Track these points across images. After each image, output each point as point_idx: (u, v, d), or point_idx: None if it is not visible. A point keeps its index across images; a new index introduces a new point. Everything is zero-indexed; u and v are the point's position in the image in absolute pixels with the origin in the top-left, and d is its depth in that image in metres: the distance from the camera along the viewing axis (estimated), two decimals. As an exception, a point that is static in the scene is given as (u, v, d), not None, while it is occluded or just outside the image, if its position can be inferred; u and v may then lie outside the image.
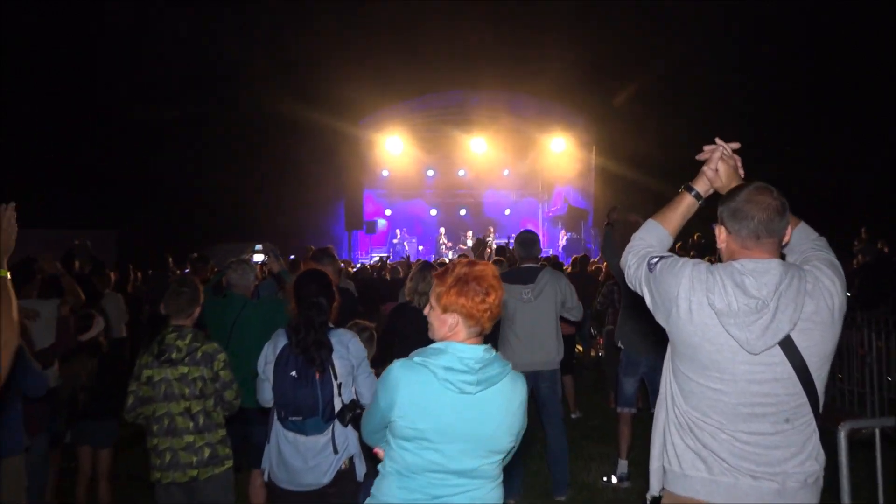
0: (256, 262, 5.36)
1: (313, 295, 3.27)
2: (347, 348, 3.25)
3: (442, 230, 21.06)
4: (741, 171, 2.50)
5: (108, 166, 15.30)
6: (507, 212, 23.80)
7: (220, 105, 15.43)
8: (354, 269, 11.82)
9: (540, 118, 20.51)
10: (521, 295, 5.04)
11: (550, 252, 20.61)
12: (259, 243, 5.48)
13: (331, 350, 3.20)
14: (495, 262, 6.65)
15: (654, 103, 15.88)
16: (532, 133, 21.37)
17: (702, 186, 2.52)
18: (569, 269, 9.92)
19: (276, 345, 3.24)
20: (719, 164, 2.48)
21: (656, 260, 2.35)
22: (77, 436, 4.70)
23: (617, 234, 5.10)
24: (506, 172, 23.45)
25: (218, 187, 16.08)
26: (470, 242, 19.61)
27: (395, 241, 21.50)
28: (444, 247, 20.63)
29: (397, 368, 2.17)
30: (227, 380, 3.64)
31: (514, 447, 2.25)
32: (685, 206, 2.53)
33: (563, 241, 20.60)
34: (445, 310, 2.18)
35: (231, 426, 3.83)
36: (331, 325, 3.32)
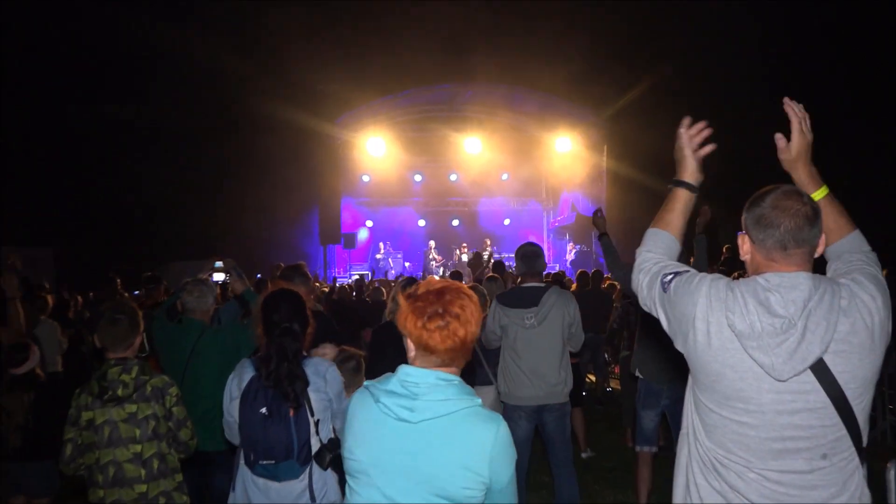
0: (216, 282, 5.30)
1: (285, 319, 3.27)
2: (325, 379, 3.25)
3: (431, 244, 21.32)
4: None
5: (43, 174, 15.18)
6: (507, 222, 24.12)
7: (173, 101, 15.14)
8: (328, 290, 11.99)
9: (543, 114, 20.71)
10: (522, 320, 5.10)
11: (557, 268, 20.84)
12: (219, 260, 5.46)
13: (306, 383, 3.18)
14: (488, 281, 6.82)
15: (676, 96, 15.70)
16: (534, 131, 21.54)
17: (689, 175, 2.58)
18: (574, 287, 9.98)
19: (241, 377, 3.21)
20: (795, 135, 2.49)
21: (670, 277, 2.37)
22: (9, 484, 4.61)
23: (612, 241, 5.22)
24: (504, 177, 23.66)
25: (171, 196, 15.96)
26: (465, 257, 20.22)
27: (377, 256, 21.75)
28: (433, 262, 20.87)
29: (354, 395, 2.24)
30: (180, 417, 3.60)
31: (481, 501, 2.14)
32: (681, 202, 2.59)
33: (571, 255, 20.78)
34: (402, 332, 2.22)
35: (188, 471, 3.76)
36: (304, 354, 3.32)
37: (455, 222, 24.28)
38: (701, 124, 2.59)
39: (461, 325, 2.14)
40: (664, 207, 2.61)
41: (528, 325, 5.09)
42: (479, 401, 2.16)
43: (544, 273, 6.77)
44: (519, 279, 5.43)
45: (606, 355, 9.19)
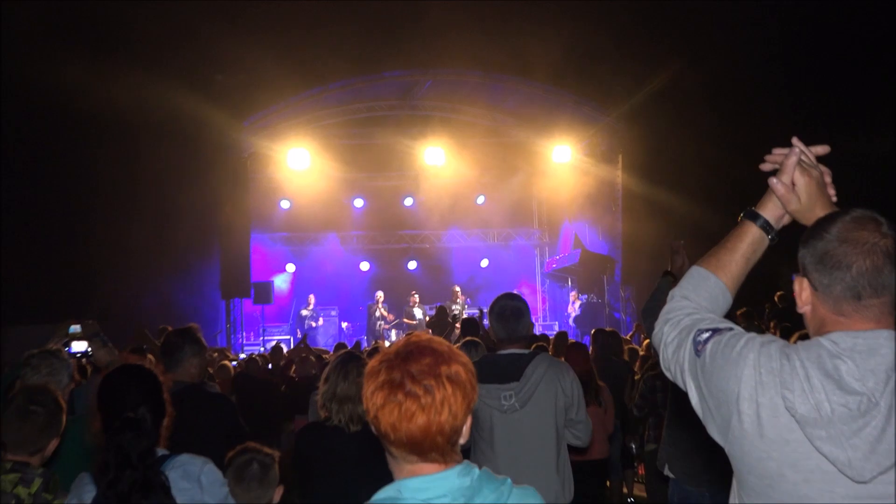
0: (74, 354, 5.30)
1: (129, 406, 3.30)
2: (199, 483, 3.28)
3: (379, 296, 21.58)
4: (832, 192, 2.58)
5: None
6: (485, 263, 24.35)
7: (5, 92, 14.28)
8: (235, 365, 12.18)
9: (533, 112, 20.92)
10: (498, 401, 5.11)
11: (556, 327, 21.21)
12: (77, 323, 5.44)
13: (166, 490, 3.21)
14: (465, 347, 6.82)
15: (717, 87, 16.14)
16: (521, 136, 21.78)
17: (771, 211, 2.61)
18: (592, 351, 9.92)
19: (80, 497, 3.24)
20: (796, 176, 2.57)
21: (707, 335, 2.37)
22: None
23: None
24: (480, 200, 23.91)
25: (8, 235, 14.87)
26: (418, 313, 20.73)
27: (303, 313, 21.84)
28: (381, 323, 21.13)
29: None
30: None
31: None
32: (748, 242, 2.61)
33: (574, 309, 21.04)
34: (375, 429, 2.22)
35: None
36: (164, 452, 3.37)
37: (412, 265, 24.17)
38: (821, 149, 2.61)
39: (432, 403, 2.16)
40: (723, 244, 2.63)
41: (507, 407, 5.11)
42: (506, 479, 2.28)
43: (530, 335, 6.83)
44: (495, 344, 5.53)
45: (633, 446, 9.25)
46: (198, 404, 4.80)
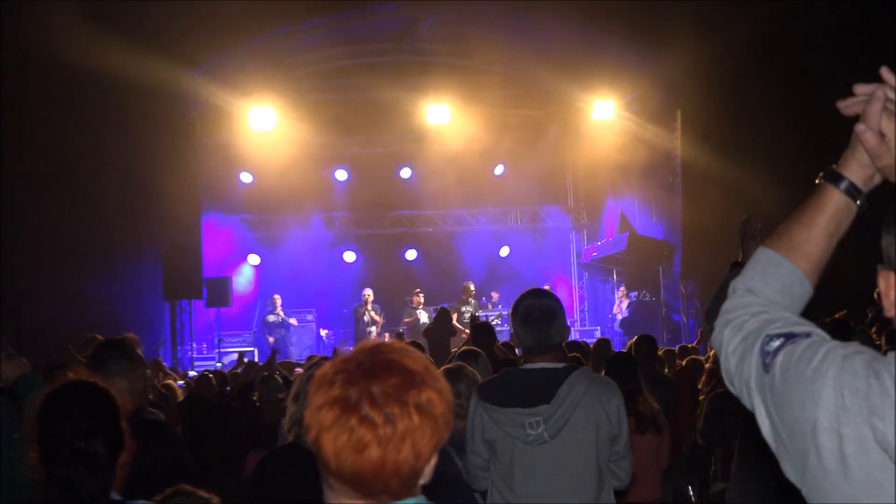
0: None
1: (79, 435, 3.32)
2: None
3: (367, 294, 21.74)
4: None
5: None
6: (505, 251, 24.75)
7: None
8: (183, 385, 12.47)
9: (567, 57, 20.76)
10: (523, 429, 5.13)
11: (598, 332, 21.33)
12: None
13: None
14: (462, 357, 6.86)
15: (824, 31, 16.08)
16: (552, 89, 21.74)
17: (857, 171, 2.47)
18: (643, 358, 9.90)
19: None
20: (884, 124, 2.36)
21: (777, 344, 2.32)
22: None
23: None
24: (498, 170, 24.07)
25: None
26: (426, 319, 20.71)
27: (269, 318, 22.17)
28: (371, 329, 21.29)
29: None
30: None
31: None
32: (829, 212, 2.50)
33: (621, 310, 21.51)
34: (315, 451, 2.27)
35: None
36: (117, 498, 3.38)
37: (410, 254, 24.48)
38: None
39: (392, 435, 2.19)
40: (797, 218, 2.55)
41: (533, 438, 5.12)
42: None
43: (563, 343, 6.47)
44: (521, 357, 5.56)
45: (691, 490, 9.42)
46: (132, 436, 4.74)
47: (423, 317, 21.18)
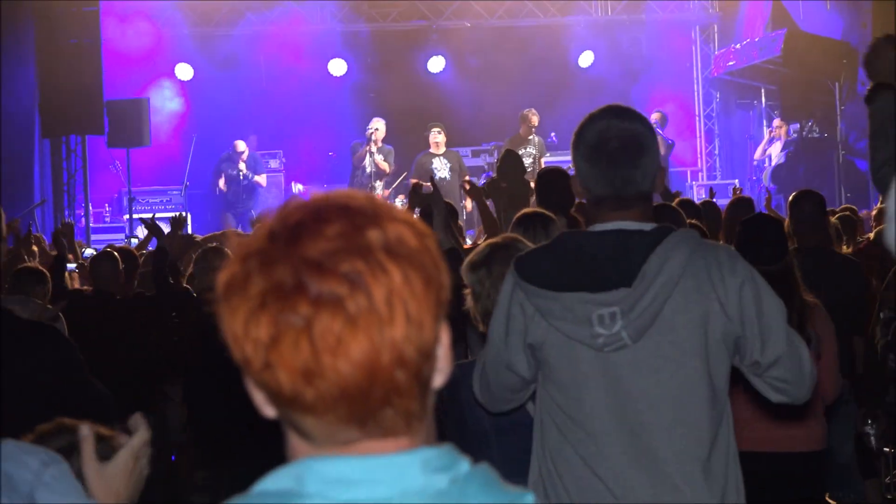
0: None
1: None
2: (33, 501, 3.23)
3: (375, 126, 19.44)
4: None
5: None
6: (587, 58, 22.87)
7: None
8: (74, 270, 12.33)
9: None
10: (589, 325, 4.33)
11: (735, 186, 19.29)
12: None
13: None
14: (520, 226, 7.01)
15: None
16: None
17: None
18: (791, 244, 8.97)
19: None
20: None
21: None
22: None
23: None
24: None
25: None
26: (444, 169, 18.88)
27: (224, 167, 21.05)
28: (375, 181, 19.28)
29: None
30: None
31: None
32: None
33: (774, 151, 20.09)
34: (266, 391, 1.85)
35: None
36: None
37: (435, 63, 22.53)
38: None
39: (369, 306, 1.73)
40: None
41: (605, 340, 4.29)
42: (527, 494, 1.92)
43: (665, 195, 6.40)
44: (586, 213, 6.19)
45: (871, 432, 8.43)
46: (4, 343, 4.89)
47: (441, 169, 18.39)
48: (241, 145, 20.52)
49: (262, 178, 20.89)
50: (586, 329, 4.27)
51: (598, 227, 4.45)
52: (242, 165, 20.52)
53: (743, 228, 7.46)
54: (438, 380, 1.80)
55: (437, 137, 18.82)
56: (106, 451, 3.60)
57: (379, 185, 19.24)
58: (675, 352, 4.33)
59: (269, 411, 1.83)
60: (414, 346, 1.71)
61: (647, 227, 4.40)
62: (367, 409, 1.72)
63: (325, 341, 1.67)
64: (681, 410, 4.36)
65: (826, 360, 7.04)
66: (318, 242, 1.70)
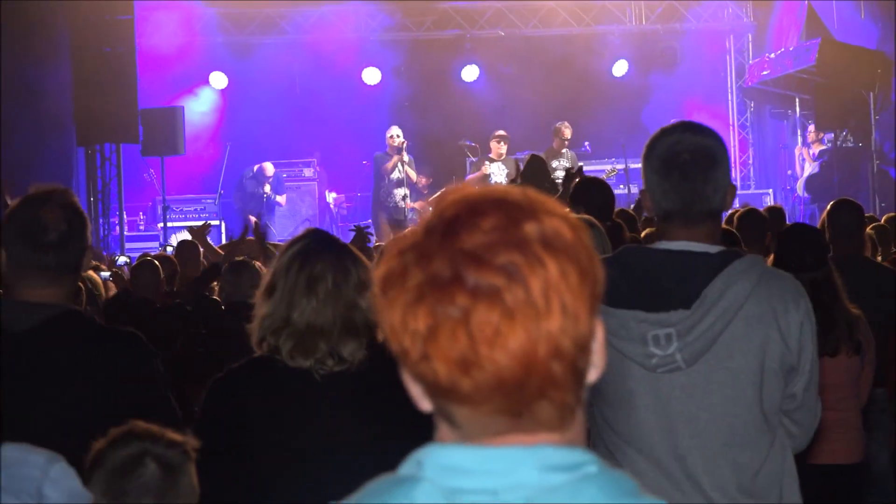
0: None
1: None
2: (40, 499, 3.34)
3: (394, 134, 19.43)
4: None
5: None
6: (621, 68, 23.14)
7: None
8: (109, 278, 12.10)
9: None
10: (643, 345, 4.38)
11: (770, 198, 20.91)
12: None
13: None
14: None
15: None
16: None
17: None
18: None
19: None
20: None
21: None
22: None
23: None
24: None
25: None
26: (500, 175, 19.09)
27: (249, 178, 21.39)
28: (400, 188, 19.36)
29: None
30: None
31: None
32: None
33: (809, 161, 20.19)
34: (422, 383, 1.89)
35: None
36: None
37: (469, 73, 22.68)
38: None
39: (526, 298, 1.74)
40: None
41: (659, 361, 4.31)
42: (633, 482, 1.91)
43: (715, 211, 5.12)
44: (646, 229, 6.35)
45: None
46: (73, 347, 4.51)
47: (498, 174, 18.74)
48: (269, 169, 20.88)
49: (282, 199, 21.26)
50: (640, 348, 4.29)
51: (664, 244, 4.45)
52: (268, 187, 20.83)
53: (784, 236, 7.52)
54: (593, 374, 1.83)
55: (501, 145, 19.29)
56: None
57: (404, 192, 19.47)
58: (730, 379, 4.31)
59: (425, 405, 1.87)
60: (570, 339, 1.73)
61: (714, 249, 4.38)
62: (522, 401, 1.75)
63: (483, 332, 1.70)
64: (729, 437, 4.35)
65: (867, 370, 7.30)
66: (474, 235, 1.73)
